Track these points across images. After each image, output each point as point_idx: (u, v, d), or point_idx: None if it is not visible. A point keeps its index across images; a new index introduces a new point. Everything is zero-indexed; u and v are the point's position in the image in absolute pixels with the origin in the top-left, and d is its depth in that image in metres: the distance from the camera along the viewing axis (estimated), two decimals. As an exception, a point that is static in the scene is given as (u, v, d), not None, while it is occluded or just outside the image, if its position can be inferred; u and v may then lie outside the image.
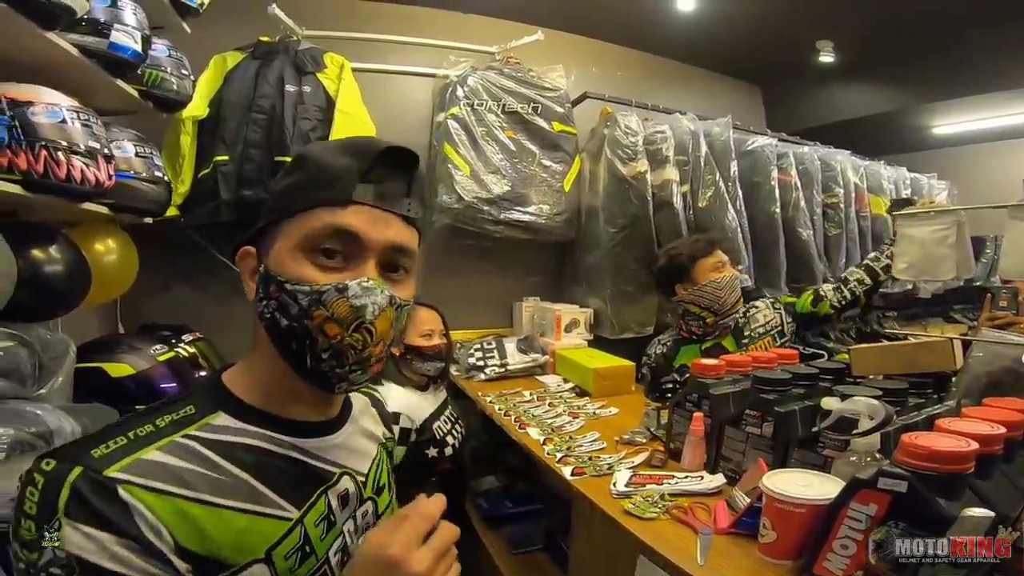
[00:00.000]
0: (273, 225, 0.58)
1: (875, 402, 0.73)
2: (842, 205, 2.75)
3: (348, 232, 0.55)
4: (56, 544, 0.45)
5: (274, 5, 2.16)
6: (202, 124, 2.05)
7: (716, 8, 2.49)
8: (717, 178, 2.28)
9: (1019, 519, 0.60)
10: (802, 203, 2.55)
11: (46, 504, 0.46)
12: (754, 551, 0.76)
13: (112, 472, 0.48)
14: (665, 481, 1.01)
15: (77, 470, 0.47)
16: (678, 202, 2.20)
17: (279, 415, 0.58)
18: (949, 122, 3.44)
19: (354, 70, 2.25)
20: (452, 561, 0.53)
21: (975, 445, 0.60)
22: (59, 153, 1.19)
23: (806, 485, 0.71)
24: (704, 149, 2.31)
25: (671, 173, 2.22)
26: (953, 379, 0.91)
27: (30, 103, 1.17)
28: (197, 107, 1.99)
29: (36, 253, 1.24)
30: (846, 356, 1.09)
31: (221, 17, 1.97)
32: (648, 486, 0.99)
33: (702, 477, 1.02)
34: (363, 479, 0.67)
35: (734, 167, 2.35)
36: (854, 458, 0.69)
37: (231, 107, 2.08)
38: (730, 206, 2.25)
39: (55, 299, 1.28)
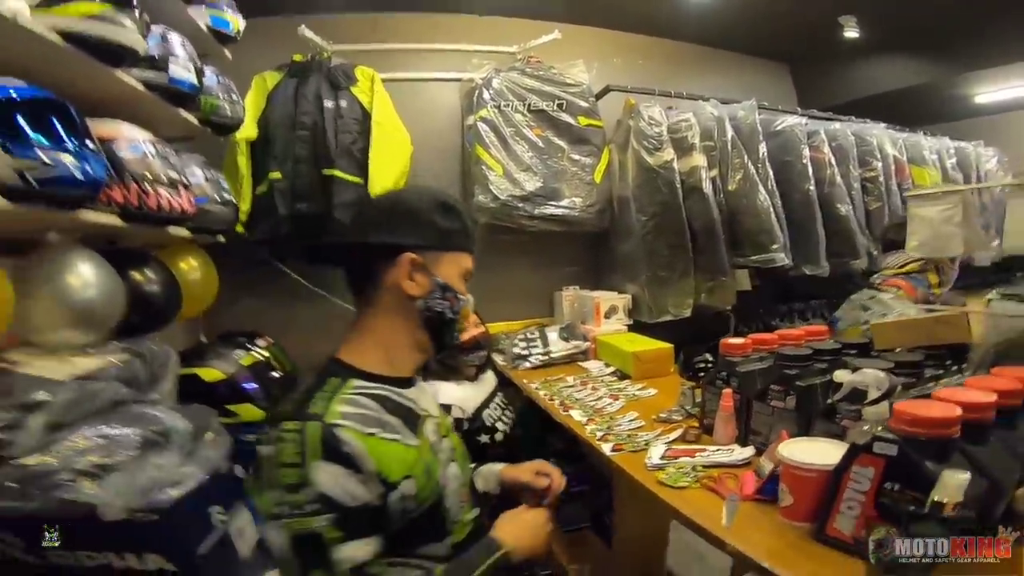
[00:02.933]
0: (434, 249, 0.85)
1: (881, 374, 0.79)
2: (882, 178, 2.71)
3: (470, 270, 0.91)
4: (313, 484, 0.67)
5: (303, 27, 2.32)
6: (252, 144, 2.22)
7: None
8: (746, 160, 2.30)
9: (1020, 484, 0.66)
10: (838, 179, 2.54)
11: (303, 453, 0.69)
12: (776, 515, 0.84)
13: (330, 420, 0.73)
14: (698, 454, 1.10)
15: (315, 424, 0.71)
16: (707, 187, 2.24)
17: (387, 375, 0.84)
18: (991, 89, 3.27)
19: (383, 80, 2.39)
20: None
21: (958, 411, 0.66)
22: (147, 185, 1.35)
23: (822, 453, 0.79)
24: (730, 133, 2.34)
25: (698, 159, 2.27)
26: (970, 350, 0.96)
27: (114, 139, 1.33)
28: (248, 129, 2.16)
29: (137, 276, 1.43)
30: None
31: (254, 39, 2.12)
32: (681, 459, 1.08)
33: (732, 450, 1.10)
34: (437, 420, 0.92)
35: (763, 149, 2.37)
36: (866, 426, 0.77)
37: (277, 126, 2.24)
38: (761, 187, 2.27)
39: (156, 315, 1.47)
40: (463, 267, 0.89)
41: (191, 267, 1.81)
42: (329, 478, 0.69)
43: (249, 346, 1.99)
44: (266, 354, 2.00)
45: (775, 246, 2.22)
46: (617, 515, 1.26)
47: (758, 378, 1.08)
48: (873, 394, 0.79)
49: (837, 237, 2.49)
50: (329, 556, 0.68)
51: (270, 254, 2.34)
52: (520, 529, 0.86)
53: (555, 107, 2.49)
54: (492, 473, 1.06)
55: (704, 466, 1.05)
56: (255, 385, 1.83)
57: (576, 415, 1.50)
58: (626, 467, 1.10)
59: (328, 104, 2.26)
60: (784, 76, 3.62)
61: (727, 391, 1.13)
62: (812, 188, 2.44)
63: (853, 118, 2.96)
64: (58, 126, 1.07)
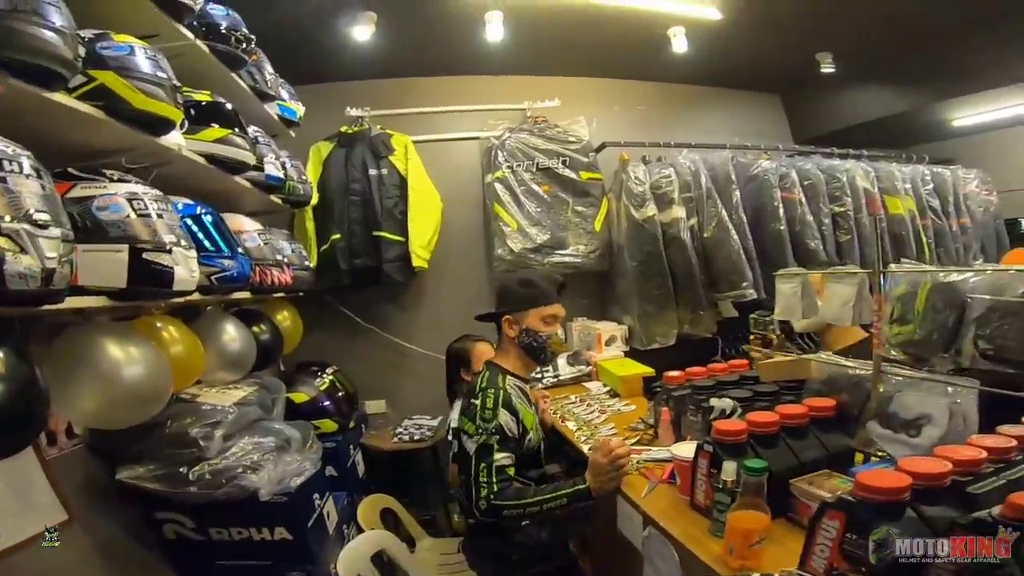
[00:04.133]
0: (523, 310, 1.58)
1: (729, 401, 1.27)
2: (851, 212, 3.04)
3: (555, 315, 1.61)
4: (497, 419, 1.42)
5: (349, 108, 2.88)
6: (314, 208, 2.75)
7: (714, 38, 2.72)
8: (720, 209, 2.73)
9: (802, 473, 1.11)
10: (808, 217, 2.91)
11: (496, 403, 1.45)
12: (676, 492, 1.31)
13: (506, 390, 1.49)
14: (644, 452, 1.58)
15: (500, 390, 1.48)
16: (686, 235, 2.70)
17: (519, 375, 1.60)
18: (965, 115, 3.51)
19: (414, 142, 2.89)
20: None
21: (743, 427, 1.10)
22: (265, 268, 1.94)
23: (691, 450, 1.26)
24: (706, 184, 2.76)
25: (678, 212, 2.72)
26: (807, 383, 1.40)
27: (240, 232, 1.86)
28: (313, 197, 2.67)
29: (255, 328, 2.01)
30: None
31: (307, 105, 2.54)
32: (631, 456, 1.57)
33: (668, 450, 1.57)
34: (534, 403, 1.66)
35: (736, 195, 2.79)
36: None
37: (333, 192, 2.78)
38: (733, 232, 2.70)
39: (269, 356, 2.06)
40: (543, 315, 1.58)
41: (284, 317, 2.41)
42: (505, 418, 1.42)
43: (320, 373, 2.58)
44: (333, 379, 2.59)
45: (745, 283, 2.64)
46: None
47: (684, 400, 1.56)
48: (719, 413, 1.26)
49: (808, 268, 2.86)
50: (492, 457, 1.38)
51: (334, 299, 2.92)
52: (594, 472, 1.35)
53: (559, 164, 2.94)
54: None
55: (645, 460, 1.53)
56: (329, 404, 2.43)
57: (571, 425, 2.00)
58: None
59: (372, 172, 2.79)
60: (776, 107, 3.90)
61: (664, 408, 1.61)
62: (783, 227, 2.84)
63: (835, 149, 3.29)
64: (215, 234, 1.60)
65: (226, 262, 1.62)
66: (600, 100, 3.35)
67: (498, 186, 2.90)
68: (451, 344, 2.29)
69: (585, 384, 2.64)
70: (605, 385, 2.54)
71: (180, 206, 1.51)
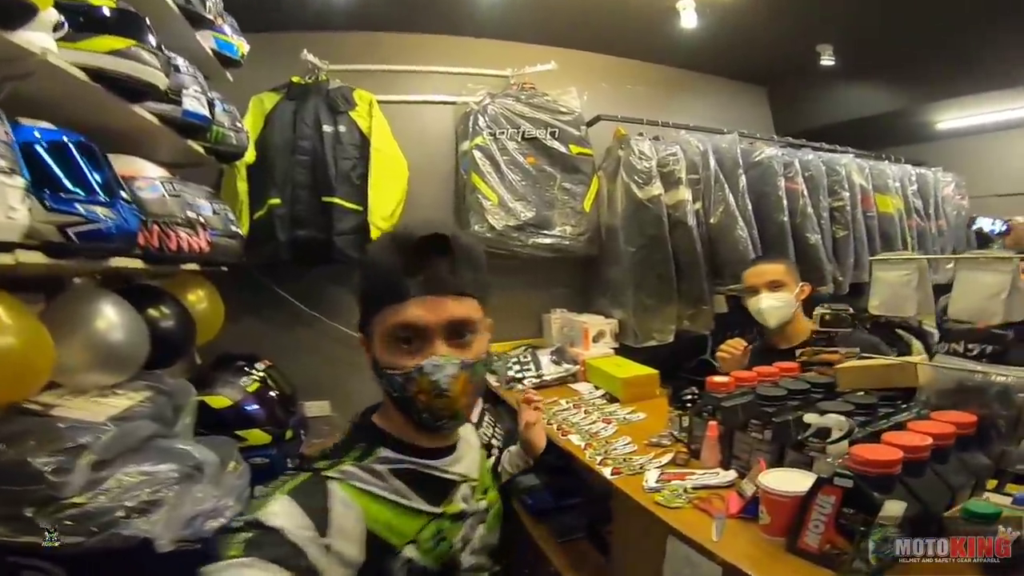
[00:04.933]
0: (367, 324, 0.78)
1: (842, 418, 0.93)
2: (848, 208, 2.90)
3: (411, 324, 0.72)
4: (263, 508, 0.64)
5: (306, 51, 2.38)
6: (250, 167, 2.25)
7: (718, 18, 2.62)
8: (727, 194, 2.46)
9: (953, 503, 0.80)
10: (809, 209, 2.71)
11: (281, 487, 0.68)
12: (756, 531, 0.97)
13: (328, 473, 0.71)
14: (688, 477, 1.22)
15: (309, 473, 0.71)
16: (691, 220, 2.40)
17: (420, 445, 0.80)
18: (950, 118, 3.53)
19: (379, 102, 2.44)
20: None
21: (899, 454, 0.80)
22: (167, 228, 1.40)
23: (793, 481, 0.92)
24: (713, 167, 2.49)
25: (684, 193, 2.42)
26: (916, 393, 1.11)
27: (133, 178, 1.35)
28: (248, 153, 2.14)
29: (153, 312, 1.46)
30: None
31: (252, 56, 2.08)
32: (673, 482, 1.20)
33: (717, 473, 1.23)
34: (475, 483, 0.87)
35: (743, 181, 2.53)
36: (829, 459, 0.90)
37: (275, 150, 2.28)
38: (740, 219, 2.43)
39: (174, 349, 1.52)
40: (387, 326, 0.73)
41: (199, 298, 1.86)
42: (280, 509, 0.64)
43: (249, 370, 2.04)
44: (264, 376, 2.05)
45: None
46: (616, 532, 1.37)
47: (740, 412, 1.21)
48: (835, 434, 0.92)
49: (806, 264, 2.66)
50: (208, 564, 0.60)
51: (268, 278, 2.40)
52: None
53: (548, 135, 2.59)
54: (509, 455, 1.21)
55: (694, 488, 1.17)
56: (259, 409, 1.88)
57: (575, 440, 1.61)
58: (626, 490, 1.22)
59: (327, 129, 2.31)
60: (761, 99, 3.82)
61: (712, 423, 1.26)
62: (786, 219, 2.61)
63: (824, 144, 3.16)
64: (87, 172, 1.09)
65: (96, 210, 1.09)
66: (589, 75, 3.04)
67: (477, 154, 2.49)
68: None
69: (572, 386, 2.27)
70: (596, 387, 2.19)
71: (35, 132, 1.02)
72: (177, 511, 1.08)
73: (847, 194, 2.90)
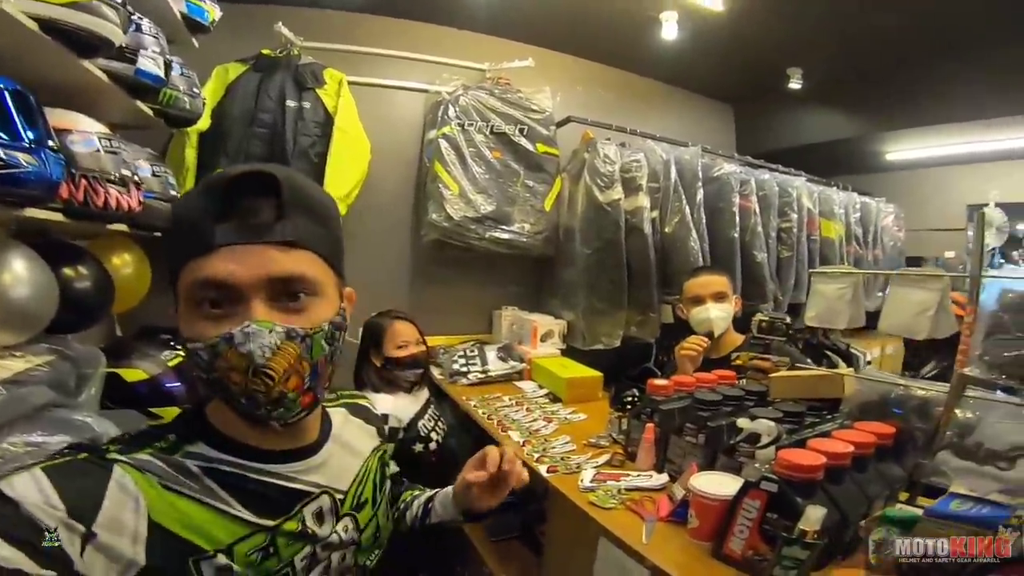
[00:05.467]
0: (173, 287, 0.59)
1: (772, 424, 0.95)
2: (795, 229, 3.02)
3: (217, 280, 0.54)
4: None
5: (280, 24, 2.28)
6: (203, 135, 2.14)
7: (697, 34, 2.69)
8: (683, 205, 2.51)
9: (868, 513, 0.82)
10: (759, 228, 2.81)
11: (42, 463, 0.52)
12: (685, 535, 0.98)
13: (111, 455, 0.55)
14: (622, 478, 1.23)
15: (85, 453, 0.55)
16: (647, 228, 2.43)
17: (255, 445, 0.62)
18: (900, 148, 3.74)
19: (349, 83, 2.37)
20: None
21: (823, 460, 0.82)
22: (96, 183, 1.31)
23: (723, 485, 0.93)
24: (674, 176, 2.54)
25: (643, 200, 2.45)
26: (842, 403, 1.15)
27: (68, 131, 1.26)
28: (201, 120, 2.04)
29: (68, 271, 1.35)
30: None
31: (222, 28, 1.99)
32: (608, 482, 1.21)
33: (651, 476, 1.24)
34: (342, 496, 0.69)
35: (700, 194, 2.59)
36: (757, 464, 0.91)
37: (233, 120, 2.18)
38: (693, 231, 2.49)
39: (86, 313, 1.40)
40: (189, 283, 0.56)
41: (124, 262, 1.74)
42: (25, 483, 0.49)
43: (174, 344, 1.91)
44: (191, 352, 1.92)
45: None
46: (549, 530, 1.36)
47: (677, 416, 1.22)
48: (765, 440, 0.94)
49: (750, 281, 2.76)
50: None
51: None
52: None
53: (516, 131, 2.57)
54: (446, 497, 0.90)
55: (627, 489, 1.18)
56: (180, 385, 1.77)
57: (515, 436, 1.59)
58: (561, 488, 1.21)
59: (291, 104, 2.23)
60: (727, 117, 3.95)
61: (649, 425, 1.27)
62: (736, 235, 2.70)
63: (780, 166, 3.28)
64: (16, 119, 1.03)
65: (16, 155, 1.01)
66: (564, 77, 3.05)
67: (443, 143, 2.44)
68: (370, 317, 1.83)
69: (516, 383, 2.26)
70: (541, 386, 2.18)
71: None
72: None
73: (795, 216, 3.02)
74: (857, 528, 0.81)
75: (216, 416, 0.62)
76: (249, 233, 0.55)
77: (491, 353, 2.34)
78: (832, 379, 1.12)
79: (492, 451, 0.80)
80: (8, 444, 0.96)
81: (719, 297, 1.87)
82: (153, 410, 1.65)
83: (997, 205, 3.15)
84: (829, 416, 1.09)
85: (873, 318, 1.23)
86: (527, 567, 1.70)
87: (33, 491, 0.49)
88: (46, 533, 0.47)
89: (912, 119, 3.18)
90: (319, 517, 0.66)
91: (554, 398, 2.03)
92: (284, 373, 0.56)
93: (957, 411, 0.93)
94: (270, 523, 0.61)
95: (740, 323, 1.93)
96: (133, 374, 1.66)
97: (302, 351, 0.57)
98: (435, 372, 2.25)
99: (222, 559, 0.57)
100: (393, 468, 0.89)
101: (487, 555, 1.79)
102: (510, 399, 2.00)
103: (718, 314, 1.84)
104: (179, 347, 0.55)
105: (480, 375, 2.23)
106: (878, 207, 3.77)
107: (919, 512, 0.77)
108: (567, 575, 1.25)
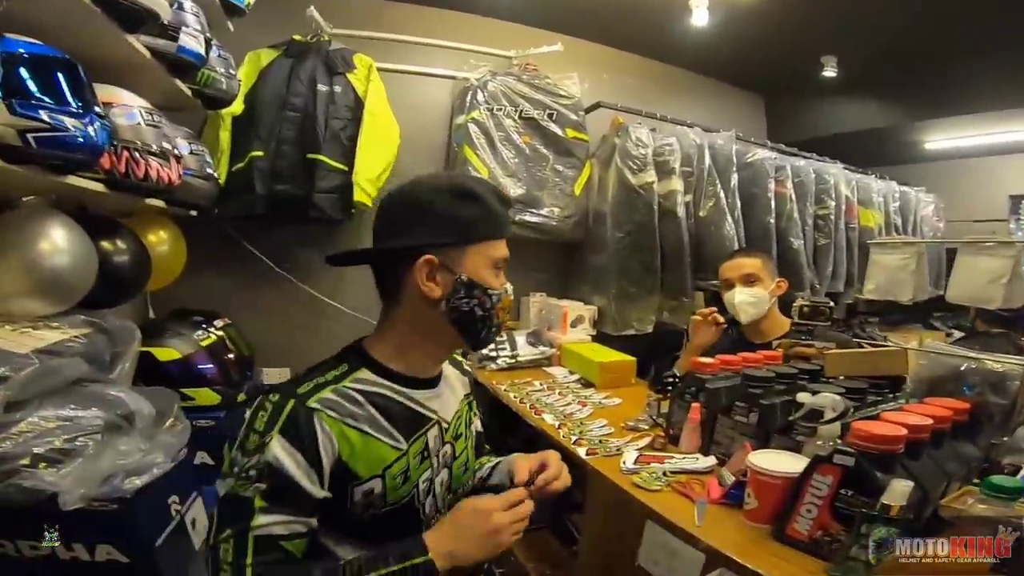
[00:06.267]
0: (454, 245, 0.80)
1: (837, 397, 0.89)
2: (832, 217, 2.92)
3: (505, 258, 0.85)
4: (266, 453, 0.68)
5: (312, 8, 2.28)
6: (236, 119, 2.15)
7: (728, 21, 2.62)
8: (718, 189, 2.44)
9: (945, 493, 0.76)
10: (795, 214, 2.72)
11: (271, 423, 0.70)
12: (740, 517, 0.93)
13: (310, 403, 0.72)
14: (666, 460, 1.18)
15: (294, 402, 0.72)
16: (681, 211, 2.37)
17: (403, 373, 0.82)
18: (940, 138, 3.61)
19: (378, 69, 2.36)
20: (522, 524, 0.79)
21: (904, 431, 0.77)
22: (137, 153, 1.31)
23: (784, 463, 0.88)
24: (708, 161, 2.47)
25: (676, 184, 2.39)
26: (906, 381, 1.08)
27: (110, 104, 1.28)
28: (235, 104, 2.05)
29: (107, 245, 1.36)
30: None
31: (255, 14, 2.01)
32: (652, 464, 1.16)
33: (697, 459, 1.19)
34: (447, 425, 0.88)
35: (734, 179, 2.52)
36: (819, 442, 0.86)
37: (265, 104, 2.19)
38: (728, 216, 2.42)
39: (123, 288, 1.41)
40: (492, 256, 0.82)
41: (160, 239, 1.76)
42: (282, 453, 0.69)
43: (206, 326, 1.91)
44: (223, 335, 1.93)
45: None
46: (587, 516, 1.31)
47: (724, 395, 1.17)
48: (829, 414, 0.89)
49: (786, 269, 2.65)
50: (249, 522, 0.67)
51: (238, 232, 2.28)
52: (457, 533, 0.74)
53: (545, 116, 2.55)
54: (506, 464, 0.99)
55: (673, 472, 1.13)
56: (211, 367, 1.76)
57: (548, 419, 1.56)
58: (602, 470, 1.16)
59: (322, 88, 2.23)
60: (758, 107, 3.84)
61: (695, 404, 1.21)
62: (772, 221, 2.61)
63: (815, 155, 3.17)
64: (64, 86, 1.04)
65: (64, 119, 1.02)
66: (592, 64, 3.00)
67: (472, 127, 2.42)
68: None
69: (546, 369, 2.22)
70: (571, 372, 2.14)
71: (20, 46, 0.98)
72: (94, 464, 0.97)
73: (833, 203, 2.92)
74: (937, 507, 0.75)
75: (381, 352, 0.83)
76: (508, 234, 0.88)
77: (520, 339, 2.31)
78: (895, 354, 1.05)
79: (552, 459, 0.93)
80: (39, 418, 0.96)
81: (749, 280, 1.76)
82: (186, 390, 1.66)
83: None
84: (892, 395, 1.03)
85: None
86: (557, 558, 1.66)
87: (290, 458, 0.69)
88: (308, 492, 0.70)
89: (951, 107, 3.07)
90: (435, 441, 0.85)
91: (586, 383, 1.99)
92: None
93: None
94: (405, 445, 0.79)
95: (783, 309, 1.85)
96: (166, 353, 1.67)
97: None
98: (462, 359, 2.22)
99: (372, 485, 0.76)
100: (478, 424, 1.03)
101: (515, 546, 1.75)
102: (541, 384, 1.97)
103: (743, 299, 1.74)
104: (460, 294, 0.81)
105: (509, 360, 2.21)
106: (917, 197, 3.63)
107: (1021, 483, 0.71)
108: (606, 562, 1.20)
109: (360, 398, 0.77)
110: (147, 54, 1.36)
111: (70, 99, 1.05)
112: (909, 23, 2.65)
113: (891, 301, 3.16)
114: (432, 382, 0.87)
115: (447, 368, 0.94)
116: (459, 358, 1.04)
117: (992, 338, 1.92)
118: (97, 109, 1.11)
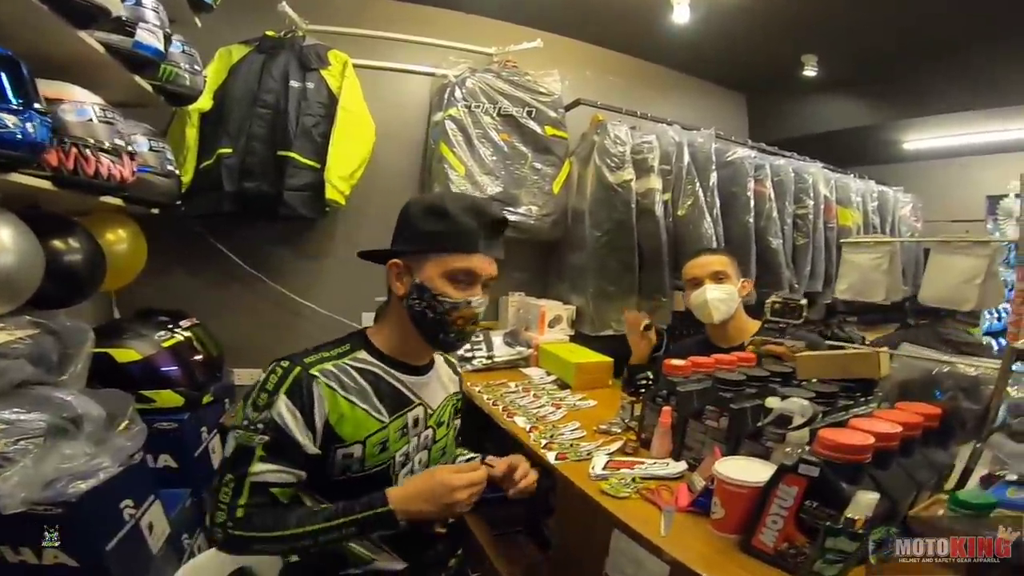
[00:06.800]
0: (420, 253, 0.94)
1: (806, 402, 0.87)
2: (811, 216, 2.92)
3: (472, 271, 0.94)
4: (271, 409, 0.84)
5: (284, 3, 2.21)
6: (205, 116, 2.09)
7: (709, 19, 2.61)
8: (697, 188, 2.42)
9: (915, 503, 0.74)
10: (774, 213, 2.72)
11: (280, 383, 0.86)
12: (707, 526, 0.90)
13: (313, 371, 0.88)
14: (636, 466, 1.15)
15: (300, 369, 0.88)
16: (659, 210, 2.35)
17: (395, 358, 0.99)
18: (918, 138, 3.64)
19: (355, 66, 2.31)
20: (475, 495, 0.91)
21: (871, 440, 0.74)
22: (87, 151, 1.25)
23: (751, 471, 0.85)
24: (687, 159, 2.45)
25: (655, 182, 2.36)
26: (878, 384, 1.07)
27: (60, 101, 1.23)
28: (203, 100, 2.01)
29: (58, 243, 1.30)
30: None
31: (227, 10, 1.97)
32: (622, 470, 1.13)
33: (667, 463, 1.16)
34: (431, 412, 1.02)
35: (714, 177, 2.50)
36: (788, 449, 0.84)
37: (235, 101, 2.13)
38: (707, 215, 2.40)
39: (75, 288, 1.35)
40: (451, 267, 0.93)
41: (119, 238, 1.69)
42: (285, 411, 0.85)
43: (172, 326, 1.85)
44: (190, 335, 1.87)
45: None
46: (557, 522, 1.29)
47: (696, 398, 1.14)
48: (798, 420, 0.86)
49: (765, 268, 2.67)
50: (249, 467, 0.83)
51: (206, 230, 2.22)
52: (419, 494, 0.88)
53: (524, 114, 2.51)
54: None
55: (643, 478, 1.10)
56: (175, 368, 1.70)
57: (520, 422, 1.53)
58: (571, 476, 1.13)
59: (294, 84, 2.17)
60: (740, 106, 3.85)
61: (666, 408, 1.19)
62: (751, 220, 2.61)
63: (795, 154, 3.18)
64: (4, 83, 1.01)
65: (1, 116, 0.99)
66: (572, 62, 2.97)
67: (449, 124, 2.37)
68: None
69: (523, 370, 2.19)
70: (548, 373, 2.11)
71: None
72: (36, 468, 0.93)
73: (811, 202, 2.92)
74: (905, 519, 0.73)
75: (377, 338, 1.00)
76: (492, 250, 0.96)
77: (497, 339, 2.28)
78: (867, 357, 1.03)
79: (521, 463, 1.04)
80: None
81: (718, 277, 1.70)
82: (146, 392, 1.60)
83: (1017, 196, 3.05)
84: (863, 398, 1.01)
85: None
86: (532, 562, 1.63)
87: (291, 416, 0.85)
88: (303, 446, 0.86)
89: (930, 107, 3.09)
90: (416, 422, 1.00)
91: (562, 384, 1.96)
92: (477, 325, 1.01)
93: (1010, 389, 0.85)
94: (387, 419, 0.94)
95: (755, 310, 1.83)
96: (125, 354, 1.62)
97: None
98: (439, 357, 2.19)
99: (353, 449, 0.91)
100: (458, 423, 1.15)
101: (488, 548, 1.73)
102: (516, 385, 1.94)
103: (715, 295, 1.67)
104: (413, 295, 0.95)
105: (485, 361, 2.17)
106: (895, 197, 3.66)
107: (994, 498, 0.69)
108: (577, 571, 1.18)
109: (355, 373, 0.93)
110: (101, 49, 1.32)
111: (9, 96, 1.02)
112: (888, 23, 2.66)
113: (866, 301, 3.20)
114: (422, 370, 1.02)
115: (441, 364, 1.09)
116: (453, 360, 1.18)
117: (919, 330, 1.92)
118: (37, 106, 1.07)
